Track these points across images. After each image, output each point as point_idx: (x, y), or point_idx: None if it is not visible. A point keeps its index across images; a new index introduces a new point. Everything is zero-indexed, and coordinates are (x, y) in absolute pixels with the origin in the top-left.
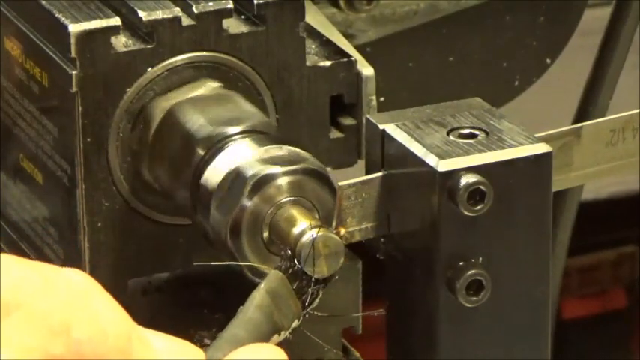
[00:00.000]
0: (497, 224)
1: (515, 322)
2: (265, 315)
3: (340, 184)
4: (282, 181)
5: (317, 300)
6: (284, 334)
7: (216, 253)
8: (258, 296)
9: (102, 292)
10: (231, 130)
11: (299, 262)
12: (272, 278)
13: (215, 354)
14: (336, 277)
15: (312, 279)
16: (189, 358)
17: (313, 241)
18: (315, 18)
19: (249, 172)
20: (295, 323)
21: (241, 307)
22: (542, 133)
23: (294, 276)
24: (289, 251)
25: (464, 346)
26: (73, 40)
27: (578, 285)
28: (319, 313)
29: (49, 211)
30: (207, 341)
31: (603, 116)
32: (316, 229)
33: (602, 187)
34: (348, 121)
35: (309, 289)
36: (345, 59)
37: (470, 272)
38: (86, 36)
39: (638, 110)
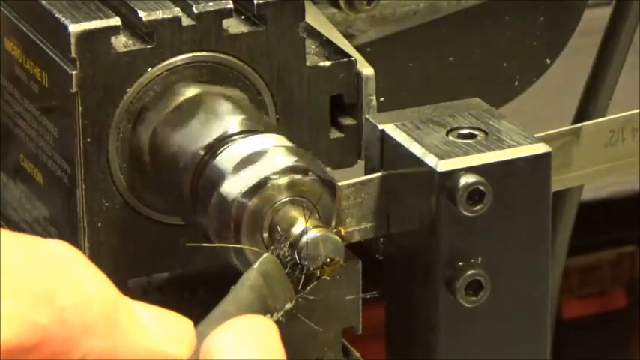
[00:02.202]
0: (497, 224)
1: (515, 322)
2: (257, 295)
3: (339, 184)
4: (282, 181)
5: (311, 285)
6: (276, 316)
7: (215, 252)
8: (250, 276)
9: (87, 262)
10: (232, 130)
11: (299, 259)
12: (265, 261)
13: (205, 329)
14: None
15: (305, 263)
16: (177, 329)
17: (313, 241)
18: (315, 18)
19: (249, 173)
20: (288, 306)
21: (233, 286)
22: (542, 133)
23: (288, 260)
24: (284, 236)
25: (463, 346)
26: (73, 40)
27: (578, 285)
28: (312, 297)
29: (49, 211)
30: None
31: (603, 116)
32: (316, 229)
33: (602, 187)
34: (348, 121)
35: (303, 274)
36: (345, 59)
37: (469, 272)
38: (86, 36)
39: (637, 110)
